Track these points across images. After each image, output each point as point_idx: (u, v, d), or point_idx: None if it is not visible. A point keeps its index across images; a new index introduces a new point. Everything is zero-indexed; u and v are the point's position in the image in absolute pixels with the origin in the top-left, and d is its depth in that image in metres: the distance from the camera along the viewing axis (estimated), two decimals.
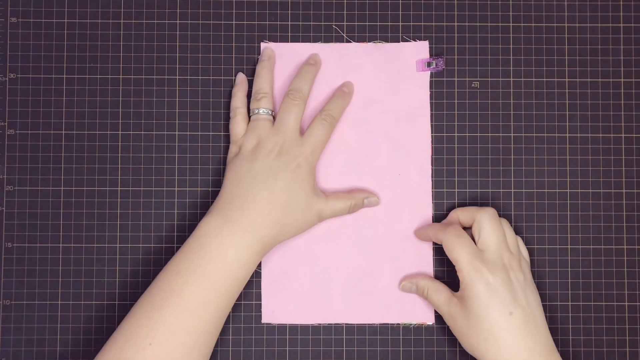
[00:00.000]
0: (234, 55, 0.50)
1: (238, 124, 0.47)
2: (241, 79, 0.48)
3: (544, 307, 0.48)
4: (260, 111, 0.46)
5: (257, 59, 0.50)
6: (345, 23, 0.50)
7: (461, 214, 0.46)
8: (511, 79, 0.50)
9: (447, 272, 0.49)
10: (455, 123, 0.50)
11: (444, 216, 0.49)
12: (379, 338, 0.48)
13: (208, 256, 0.41)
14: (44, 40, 0.50)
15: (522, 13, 0.50)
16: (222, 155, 0.49)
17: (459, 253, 0.43)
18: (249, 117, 0.47)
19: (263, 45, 0.50)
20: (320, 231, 0.49)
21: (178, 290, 0.41)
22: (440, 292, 0.45)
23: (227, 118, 0.49)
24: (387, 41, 0.50)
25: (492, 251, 0.43)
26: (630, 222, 0.49)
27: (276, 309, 0.48)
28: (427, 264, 0.49)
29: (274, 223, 0.43)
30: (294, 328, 0.48)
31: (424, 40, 0.50)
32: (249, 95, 0.48)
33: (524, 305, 0.42)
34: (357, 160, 0.49)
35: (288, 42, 0.50)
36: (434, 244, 0.49)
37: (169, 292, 0.41)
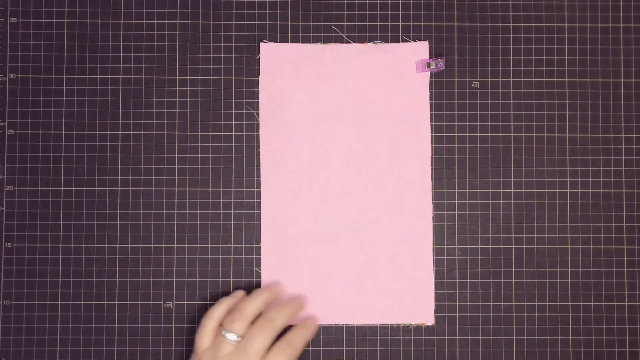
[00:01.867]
0: (234, 55, 0.50)
1: (203, 337, 0.44)
2: (237, 295, 0.47)
3: (544, 307, 0.48)
4: (228, 336, 0.43)
5: (258, 59, 0.50)
6: (345, 23, 0.50)
7: None
8: (511, 79, 0.50)
9: (447, 272, 0.49)
10: (455, 123, 0.50)
11: (444, 216, 0.49)
12: (379, 338, 0.48)
13: None
14: (44, 40, 0.50)
15: (522, 13, 0.50)
16: (222, 155, 0.49)
17: None
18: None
19: (263, 45, 0.50)
20: (320, 231, 0.49)
21: None
22: None
23: (228, 118, 0.49)
24: (387, 41, 0.50)
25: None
26: (630, 222, 0.49)
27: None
28: (427, 263, 0.49)
29: None
30: None
31: (424, 40, 0.50)
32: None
33: None
34: (357, 160, 0.49)
35: (288, 42, 0.50)
36: (434, 242, 0.49)
37: None
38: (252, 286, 0.49)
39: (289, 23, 0.50)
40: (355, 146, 0.49)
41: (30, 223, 0.49)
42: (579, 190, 0.49)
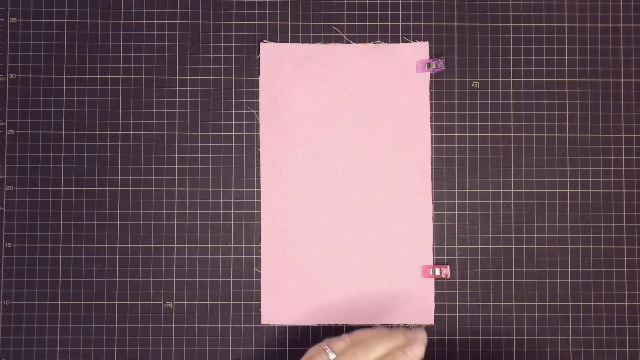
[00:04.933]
0: (234, 55, 0.50)
1: (315, 350, 0.43)
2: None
3: (544, 307, 0.48)
4: (328, 352, 0.43)
5: (258, 59, 0.50)
6: (345, 23, 0.50)
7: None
8: (511, 79, 0.50)
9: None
10: (455, 123, 0.50)
11: (444, 216, 0.49)
12: None
13: None
14: (44, 40, 0.50)
15: (522, 13, 0.50)
16: (222, 155, 0.49)
17: None
18: None
19: (263, 45, 0.50)
20: (320, 232, 0.49)
21: None
22: None
23: (228, 118, 0.49)
24: (387, 41, 0.50)
25: None
26: (630, 222, 0.49)
27: (276, 310, 0.48)
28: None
29: None
30: (294, 328, 0.48)
31: (424, 40, 0.50)
32: None
33: None
34: (357, 160, 0.49)
35: (288, 42, 0.50)
36: (434, 242, 0.49)
37: None
38: (252, 286, 0.49)
39: (289, 23, 0.50)
40: (355, 146, 0.49)
41: (30, 223, 0.49)
42: (579, 190, 0.49)
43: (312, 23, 0.50)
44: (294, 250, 0.49)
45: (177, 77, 0.50)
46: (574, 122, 0.50)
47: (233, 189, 0.49)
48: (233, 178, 0.49)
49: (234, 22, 0.50)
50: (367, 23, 0.50)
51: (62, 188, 0.49)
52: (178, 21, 0.50)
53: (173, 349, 0.48)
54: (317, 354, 0.43)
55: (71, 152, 0.49)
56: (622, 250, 0.49)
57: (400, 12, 0.50)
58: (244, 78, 0.50)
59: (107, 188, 0.49)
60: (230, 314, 0.48)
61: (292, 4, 0.50)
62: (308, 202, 0.49)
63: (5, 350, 0.48)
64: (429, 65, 0.49)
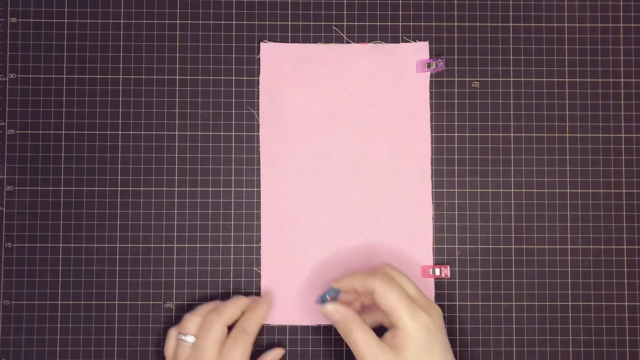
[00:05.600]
0: (234, 55, 0.50)
1: (168, 347, 0.45)
2: (211, 307, 0.45)
3: (544, 307, 0.48)
4: (183, 337, 0.44)
5: (258, 59, 0.50)
6: (345, 23, 0.50)
7: (357, 283, 0.43)
8: (511, 79, 0.50)
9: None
10: (455, 123, 0.50)
11: (444, 216, 0.49)
12: None
13: None
14: (44, 40, 0.50)
15: (522, 13, 0.50)
16: (222, 155, 0.49)
17: (395, 299, 0.40)
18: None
19: (263, 45, 0.50)
20: (320, 232, 0.49)
21: None
22: (368, 333, 0.40)
23: (228, 118, 0.49)
24: (387, 41, 0.50)
25: (419, 294, 0.42)
26: (630, 222, 0.49)
27: (276, 310, 0.48)
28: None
29: None
30: (294, 328, 0.48)
31: (424, 40, 0.50)
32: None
33: (450, 348, 0.41)
34: (357, 160, 0.49)
35: (288, 42, 0.50)
36: (434, 242, 0.49)
37: None
38: (252, 286, 0.49)
39: (289, 23, 0.50)
40: (355, 146, 0.49)
41: (30, 223, 0.49)
42: (579, 190, 0.49)
43: (312, 23, 0.50)
44: (294, 250, 0.49)
45: (177, 77, 0.50)
46: (574, 122, 0.50)
47: (233, 189, 0.49)
48: (233, 178, 0.49)
49: (234, 22, 0.50)
50: (367, 23, 0.50)
51: (62, 188, 0.49)
52: (178, 21, 0.50)
53: None
54: (176, 347, 0.44)
55: (71, 152, 0.49)
56: (622, 250, 0.49)
57: (400, 12, 0.50)
58: (244, 78, 0.50)
59: (107, 188, 0.49)
60: None
61: (292, 4, 0.50)
62: (308, 202, 0.49)
63: (5, 350, 0.48)
64: (429, 65, 0.49)
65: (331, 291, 0.43)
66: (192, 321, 0.44)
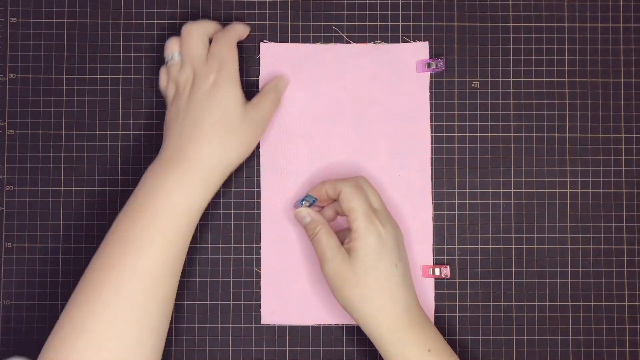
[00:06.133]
0: None
1: (162, 80, 0.47)
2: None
3: (544, 307, 0.48)
4: (170, 56, 0.46)
5: (258, 59, 0.50)
6: (345, 23, 0.50)
7: (328, 186, 0.45)
8: (511, 79, 0.50)
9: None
10: (455, 123, 0.50)
11: (444, 216, 0.49)
12: None
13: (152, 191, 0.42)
14: (44, 40, 0.50)
15: (522, 13, 0.50)
16: None
17: (357, 203, 0.43)
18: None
19: (263, 45, 0.50)
20: None
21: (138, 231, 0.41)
22: (332, 237, 0.43)
23: None
24: (387, 41, 0.50)
25: (382, 208, 0.44)
26: (630, 222, 0.49)
27: (276, 310, 0.48)
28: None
29: (212, 148, 0.43)
30: (294, 328, 0.48)
31: (424, 40, 0.50)
32: None
33: (404, 260, 0.44)
34: (357, 160, 0.49)
35: (288, 42, 0.50)
36: (434, 242, 0.49)
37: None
38: (252, 286, 0.49)
39: (289, 23, 0.50)
40: (355, 146, 0.49)
41: (30, 223, 0.49)
42: (579, 190, 0.49)
43: (312, 23, 0.50)
44: (294, 250, 0.49)
45: None
46: (574, 122, 0.50)
47: (233, 189, 0.49)
48: (233, 178, 0.49)
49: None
50: (367, 23, 0.50)
51: (62, 188, 0.49)
52: (178, 21, 0.50)
53: (173, 349, 0.48)
54: (168, 74, 0.46)
55: (71, 152, 0.49)
56: (622, 250, 0.49)
57: (400, 12, 0.50)
58: (244, 78, 0.50)
59: (107, 188, 0.49)
60: (230, 314, 0.48)
61: (292, 4, 0.50)
62: None
63: (5, 350, 0.48)
64: (429, 65, 0.49)
65: (308, 197, 0.45)
66: (171, 42, 0.46)
